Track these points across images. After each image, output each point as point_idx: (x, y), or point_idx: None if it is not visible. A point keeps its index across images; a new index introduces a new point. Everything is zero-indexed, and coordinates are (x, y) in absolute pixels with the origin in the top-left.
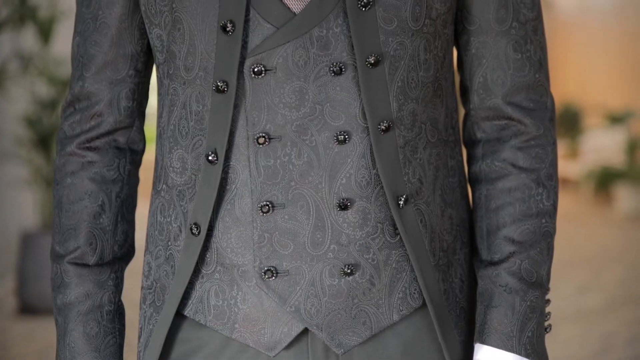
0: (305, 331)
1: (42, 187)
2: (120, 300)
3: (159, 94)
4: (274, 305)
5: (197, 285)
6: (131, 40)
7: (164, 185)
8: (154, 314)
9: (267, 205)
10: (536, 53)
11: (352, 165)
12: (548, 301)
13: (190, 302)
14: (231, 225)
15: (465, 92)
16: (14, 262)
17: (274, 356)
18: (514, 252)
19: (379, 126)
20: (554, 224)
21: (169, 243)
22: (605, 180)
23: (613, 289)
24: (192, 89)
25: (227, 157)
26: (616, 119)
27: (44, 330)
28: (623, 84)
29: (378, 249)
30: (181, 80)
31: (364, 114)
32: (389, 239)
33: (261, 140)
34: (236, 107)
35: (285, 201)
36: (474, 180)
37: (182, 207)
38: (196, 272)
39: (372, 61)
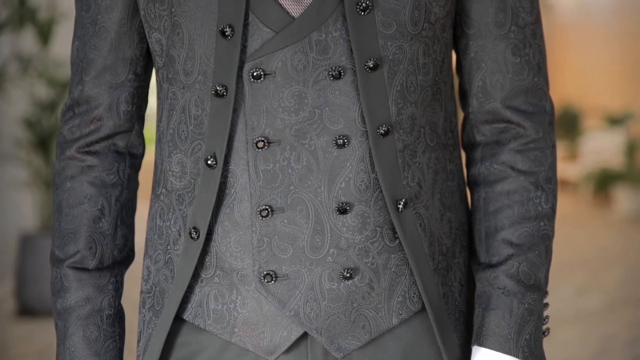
0: (304, 335)
1: (41, 189)
2: (120, 304)
3: (159, 98)
4: (274, 310)
5: (197, 290)
6: (130, 44)
7: (163, 190)
8: (153, 318)
9: (267, 209)
10: (535, 57)
11: (351, 169)
12: (546, 305)
13: (189, 306)
14: (230, 229)
15: (464, 95)
16: (13, 264)
17: None
18: (512, 255)
19: (378, 130)
20: (553, 227)
21: (168, 247)
22: (604, 182)
23: (612, 290)
24: (191, 93)
25: (227, 162)
26: (615, 121)
27: (43, 332)
28: (622, 85)
29: (377, 253)
30: (180, 84)
31: (363, 118)
32: (388, 243)
33: (260, 144)
34: (235, 111)
35: (284, 205)
36: (473, 183)
37: (182, 211)
38: (195, 276)
39: (371, 65)
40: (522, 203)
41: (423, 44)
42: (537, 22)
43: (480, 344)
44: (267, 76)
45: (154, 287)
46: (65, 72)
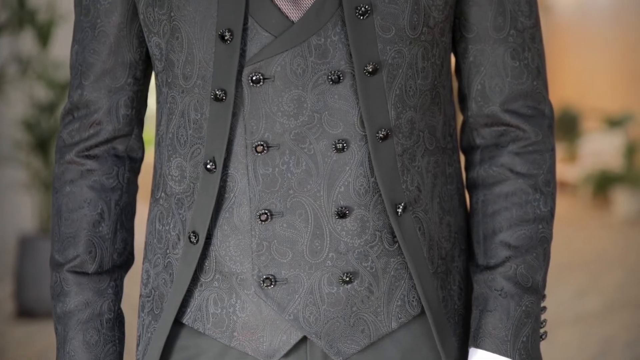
0: (304, 339)
1: (41, 191)
2: (119, 308)
3: (158, 102)
4: (273, 314)
5: (196, 294)
6: (130, 48)
7: (163, 194)
8: (153, 322)
9: (266, 213)
10: (534, 60)
11: (351, 173)
12: (544, 308)
13: (188, 310)
14: (230, 233)
15: (463, 99)
16: (12, 266)
17: None
18: (509, 257)
19: (377, 134)
20: (551, 230)
21: (168, 251)
22: (603, 184)
23: (611, 292)
24: (190, 97)
25: (226, 166)
26: (614, 123)
27: (42, 334)
28: (622, 87)
29: (376, 256)
30: (180, 88)
31: (362, 122)
32: (387, 246)
33: (259, 148)
34: (234, 115)
35: (283, 209)
36: (472, 186)
37: (181, 215)
38: (195, 280)
39: (370, 69)
40: (520, 205)
41: (422, 48)
42: (536, 26)
43: (477, 346)
44: (266, 80)
45: (153, 291)
46: (64, 73)
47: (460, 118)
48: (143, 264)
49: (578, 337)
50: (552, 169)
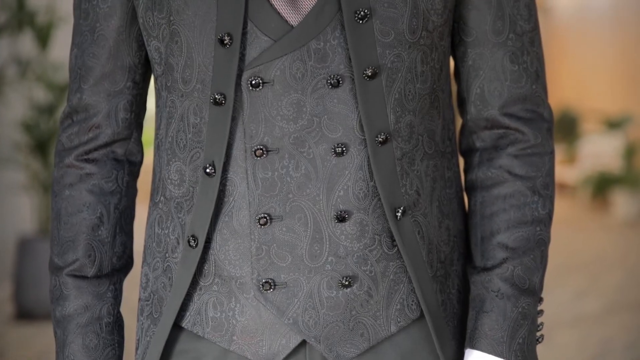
0: (303, 343)
1: (40, 193)
2: (119, 312)
3: (157, 106)
4: (272, 317)
5: (195, 297)
6: (129, 52)
7: (162, 197)
8: (152, 325)
9: (265, 217)
10: (533, 64)
11: (350, 177)
12: (541, 311)
13: (188, 313)
14: (229, 237)
15: (462, 103)
16: (11, 267)
17: None
18: (507, 258)
19: (377, 138)
20: (549, 232)
21: (167, 255)
22: (602, 186)
23: (611, 294)
24: (189, 101)
25: (225, 170)
26: (613, 125)
27: (41, 336)
28: (620, 89)
29: (376, 260)
30: (179, 92)
31: (361, 126)
32: (386, 250)
33: (259, 152)
34: (234, 119)
35: (283, 213)
36: (470, 188)
37: (180, 219)
38: (194, 284)
39: (370, 73)
40: (518, 207)
41: (421, 52)
42: (535, 29)
43: (473, 347)
44: (265, 84)
45: (152, 294)
46: (63, 75)
47: (459, 121)
48: (142, 267)
49: (577, 339)
50: (550, 172)
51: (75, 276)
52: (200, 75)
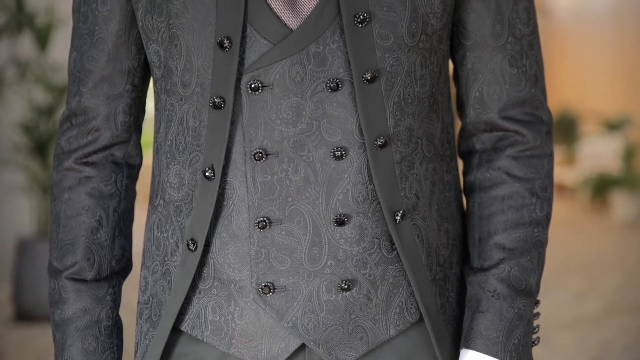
0: (302, 347)
1: (39, 194)
2: (118, 315)
3: (156, 109)
4: (271, 321)
5: (194, 301)
6: (128, 55)
7: (161, 201)
8: (151, 329)
9: (264, 221)
10: (532, 68)
11: (349, 181)
12: (537, 314)
13: (187, 317)
14: (228, 241)
15: (461, 106)
16: (10, 269)
17: None
18: (503, 259)
19: (376, 142)
20: (546, 234)
21: (166, 258)
22: (601, 187)
23: (610, 296)
24: (189, 104)
25: (224, 173)
26: (613, 126)
27: (40, 337)
28: (620, 90)
29: (375, 264)
30: (178, 96)
31: (360, 129)
32: (385, 254)
33: (258, 156)
34: (233, 123)
35: (282, 217)
36: (469, 189)
37: (179, 223)
38: (193, 288)
39: (369, 77)
40: (516, 209)
41: (420, 55)
42: (534, 33)
43: (468, 346)
44: (265, 88)
45: (151, 298)
46: (62, 77)
47: (458, 125)
48: (141, 270)
49: (576, 341)
50: (549, 175)
51: (74, 279)
52: (200, 79)
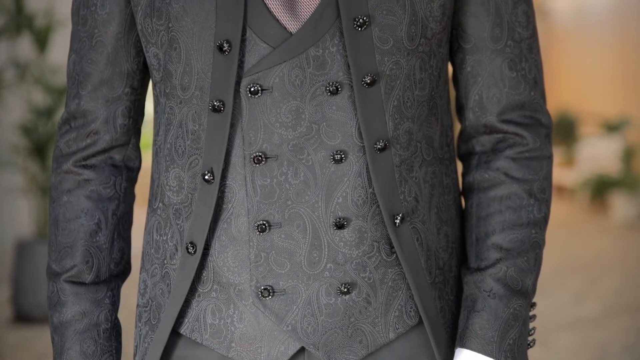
0: (301, 350)
1: (38, 196)
2: (116, 318)
3: (156, 112)
4: (271, 324)
5: (194, 304)
6: (127, 58)
7: (161, 204)
8: (150, 332)
9: (264, 224)
10: (531, 71)
11: (349, 184)
12: (533, 316)
13: (186, 320)
14: (227, 244)
15: (460, 109)
16: (9, 271)
17: None
18: (500, 259)
19: (375, 145)
20: (544, 236)
21: (165, 261)
22: (601, 189)
23: (609, 297)
24: (188, 108)
25: (224, 176)
26: (612, 127)
27: (39, 339)
28: (619, 92)
29: (374, 267)
30: (177, 99)
31: (360, 133)
32: (385, 257)
33: (257, 159)
34: (232, 126)
35: (281, 220)
36: (467, 190)
37: (179, 226)
38: (192, 291)
39: (368, 81)
40: (514, 210)
41: (420, 59)
42: (533, 36)
43: (463, 346)
44: (264, 91)
45: (150, 301)
46: (62, 78)
47: (457, 127)
48: (140, 273)
49: (576, 342)
50: (548, 177)
51: (73, 282)
52: (199, 82)
